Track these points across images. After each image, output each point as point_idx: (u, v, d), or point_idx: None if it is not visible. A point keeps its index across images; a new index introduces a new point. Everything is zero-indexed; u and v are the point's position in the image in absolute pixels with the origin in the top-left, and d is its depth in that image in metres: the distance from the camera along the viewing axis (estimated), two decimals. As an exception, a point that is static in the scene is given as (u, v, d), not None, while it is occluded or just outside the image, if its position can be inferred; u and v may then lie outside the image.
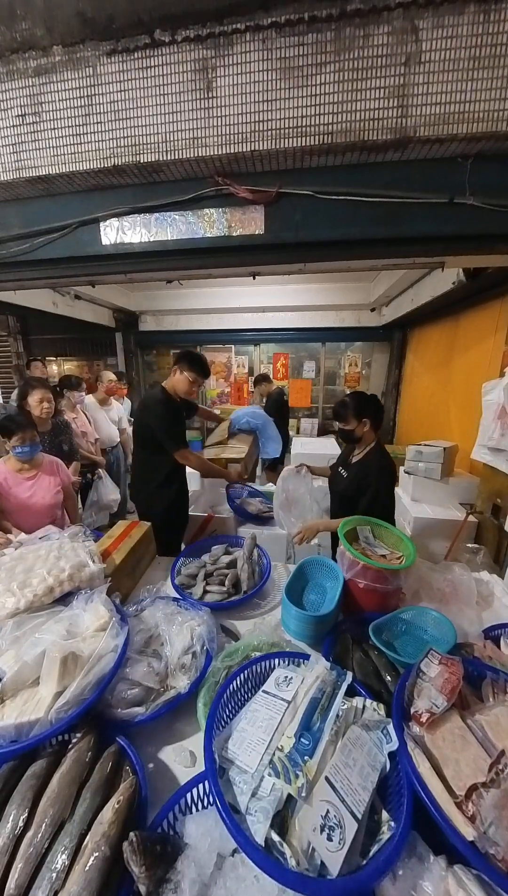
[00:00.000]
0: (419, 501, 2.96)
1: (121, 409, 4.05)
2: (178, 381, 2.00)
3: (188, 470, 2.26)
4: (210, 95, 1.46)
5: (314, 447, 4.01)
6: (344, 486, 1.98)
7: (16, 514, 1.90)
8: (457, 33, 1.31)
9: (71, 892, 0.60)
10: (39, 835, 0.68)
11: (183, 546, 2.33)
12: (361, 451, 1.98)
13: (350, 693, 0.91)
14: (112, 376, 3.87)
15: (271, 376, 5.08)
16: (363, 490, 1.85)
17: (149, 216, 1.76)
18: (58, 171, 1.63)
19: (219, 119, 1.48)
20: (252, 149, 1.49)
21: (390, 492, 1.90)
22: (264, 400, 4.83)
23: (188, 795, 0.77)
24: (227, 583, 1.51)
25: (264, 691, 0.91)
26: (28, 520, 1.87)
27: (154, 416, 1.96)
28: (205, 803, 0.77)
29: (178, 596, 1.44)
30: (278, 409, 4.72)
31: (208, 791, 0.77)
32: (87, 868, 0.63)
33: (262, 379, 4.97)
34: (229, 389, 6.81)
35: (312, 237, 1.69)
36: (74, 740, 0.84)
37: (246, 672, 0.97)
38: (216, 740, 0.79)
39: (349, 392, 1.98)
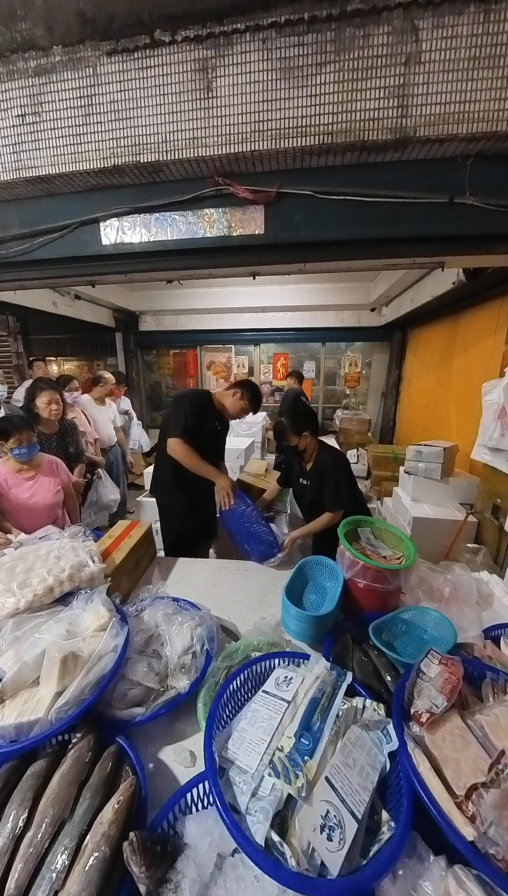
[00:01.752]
0: (419, 501, 2.96)
1: (115, 408, 4.04)
2: (233, 402, 2.04)
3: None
4: (210, 95, 1.46)
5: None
6: (311, 492, 2.06)
7: (16, 514, 1.89)
8: (457, 33, 1.31)
9: (71, 892, 0.60)
10: (39, 835, 0.68)
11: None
12: (311, 459, 2.09)
13: (350, 693, 0.91)
14: (111, 377, 3.87)
15: (302, 375, 5.20)
16: (325, 484, 1.95)
17: (149, 216, 1.76)
18: (58, 171, 1.63)
19: (219, 119, 1.48)
20: (252, 149, 1.49)
21: (349, 476, 2.03)
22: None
23: (188, 795, 0.77)
24: None
25: (264, 691, 0.90)
26: (28, 520, 1.87)
27: (183, 400, 1.96)
28: (205, 803, 0.77)
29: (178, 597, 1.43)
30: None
31: (208, 791, 0.77)
32: (87, 868, 0.62)
33: (290, 374, 5.18)
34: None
35: (312, 237, 1.69)
36: (74, 740, 0.84)
37: (246, 672, 0.97)
38: (216, 740, 0.79)
39: (279, 415, 2.12)
